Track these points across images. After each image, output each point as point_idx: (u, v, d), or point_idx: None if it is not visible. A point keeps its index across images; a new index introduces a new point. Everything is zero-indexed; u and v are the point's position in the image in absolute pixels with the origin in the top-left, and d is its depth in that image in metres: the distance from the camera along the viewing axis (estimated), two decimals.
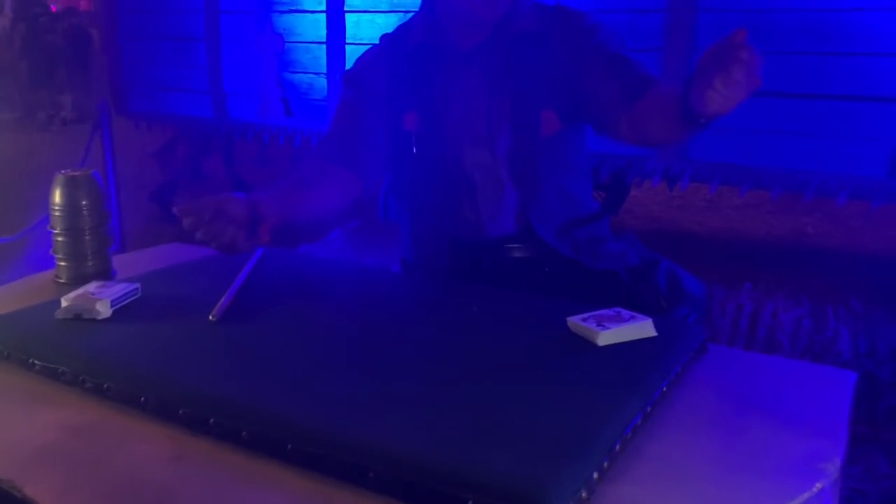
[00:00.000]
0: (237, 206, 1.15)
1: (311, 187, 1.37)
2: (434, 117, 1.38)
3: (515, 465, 0.68)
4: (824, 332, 2.39)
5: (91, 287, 1.10)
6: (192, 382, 0.86)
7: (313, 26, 3.45)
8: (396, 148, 1.42)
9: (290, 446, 0.74)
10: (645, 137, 1.33)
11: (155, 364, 0.91)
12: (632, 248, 1.43)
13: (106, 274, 1.31)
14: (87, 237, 1.29)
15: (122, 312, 1.06)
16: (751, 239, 2.56)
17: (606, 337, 0.94)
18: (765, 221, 2.51)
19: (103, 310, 1.04)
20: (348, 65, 1.56)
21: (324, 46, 3.42)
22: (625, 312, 1.00)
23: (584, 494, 0.67)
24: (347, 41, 3.36)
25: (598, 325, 0.96)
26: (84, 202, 1.28)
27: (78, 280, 1.24)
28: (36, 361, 0.94)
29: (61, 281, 1.29)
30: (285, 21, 3.55)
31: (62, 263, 1.30)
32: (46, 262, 1.35)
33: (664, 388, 0.87)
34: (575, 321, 0.98)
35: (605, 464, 0.71)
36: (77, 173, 1.29)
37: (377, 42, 1.49)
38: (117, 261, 1.37)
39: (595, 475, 0.69)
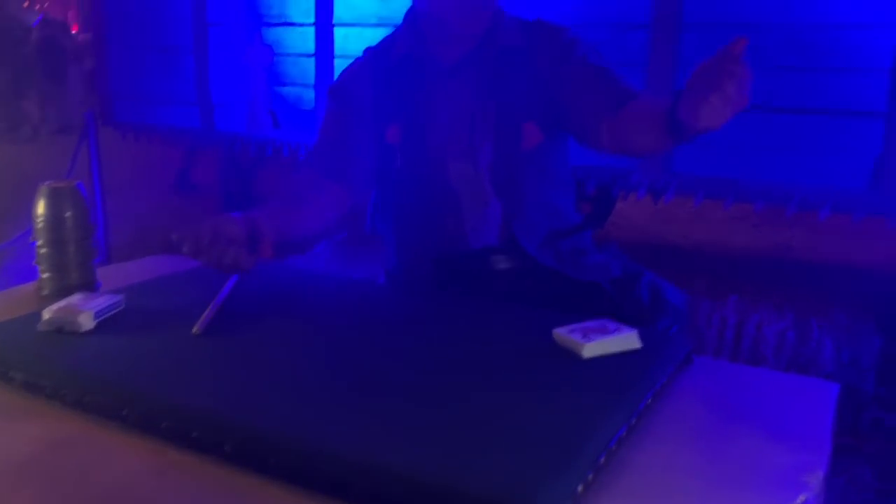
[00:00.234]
0: (234, 226, 1.15)
1: (304, 202, 1.37)
2: (417, 130, 1.39)
3: (500, 477, 0.68)
4: (808, 344, 2.41)
5: (74, 299, 1.09)
6: (175, 395, 0.85)
7: (302, 39, 3.46)
8: (381, 160, 1.43)
9: (273, 460, 0.73)
10: (627, 147, 1.34)
11: (137, 377, 0.90)
12: (614, 259, 1.44)
13: (90, 286, 1.30)
14: (71, 249, 1.28)
15: (106, 325, 1.06)
16: (735, 252, 2.58)
17: (591, 349, 0.94)
18: (749, 234, 2.53)
19: (86, 322, 1.03)
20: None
21: (312, 59, 3.43)
22: (610, 324, 1.00)
23: None
24: (336, 54, 3.37)
25: (583, 336, 0.96)
26: (68, 214, 1.27)
27: (61, 292, 1.23)
28: (16, 374, 0.93)
29: (44, 293, 1.28)
30: (274, 33, 3.56)
31: (45, 275, 1.29)
32: (30, 274, 1.34)
33: (649, 400, 0.87)
34: (560, 333, 0.98)
35: (590, 476, 0.71)
36: (61, 185, 1.29)
37: (361, 55, 1.50)
38: (102, 273, 1.36)
39: (580, 488, 0.69)
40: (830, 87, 2.34)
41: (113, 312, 1.10)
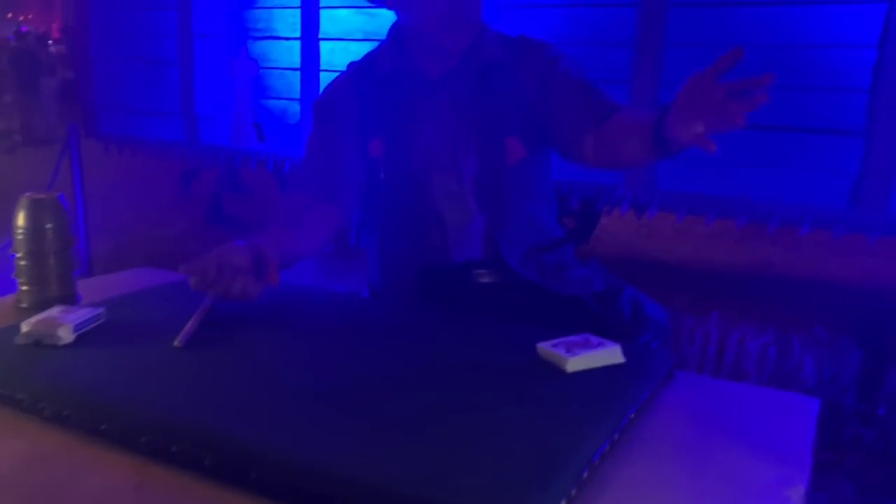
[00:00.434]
0: (240, 254, 1.16)
1: (298, 225, 1.37)
2: (401, 144, 1.40)
3: (483, 492, 0.67)
4: (789, 360, 2.42)
5: (54, 312, 1.07)
6: (155, 410, 0.84)
7: (288, 53, 3.46)
8: (365, 174, 1.43)
9: (254, 475, 0.73)
10: (610, 161, 1.35)
11: (116, 391, 0.89)
12: (596, 274, 1.45)
13: (70, 299, 1.29)
14: (52, 261, 1.27)
15: (85, 338, 1.04)
16: (717, 267, 2.60)
17: (575, 363, 0.94)
18: (731, 250, 2.56)
19: (65, 335, 1.02)
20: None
21: (298, 73, 3.43)
22: (593, 338, 1.00)
23: None
24: (322, 68, 3.38)
25: (567, 351, 0.96)
26: (49, 225, 1.26)
27: (41, 305, 1.21)
28: None
29: (23, 306, 1.26)
30: (260, 47, 3.56)
31: (24, 288, 1.27)
32: (9, 287, 1.32)
33: (632, 415, 0.87)
34: (544, 347, 0.98)
35: (573, 491, 0.71)
36: (42, 196, 1.27)
37: (345, 70, 1.50)
38: (83, 285, 1.35)
39: (563, 502, 0.69)
40: (812, 105, 2.37)
41: (93, 325, 1.08)
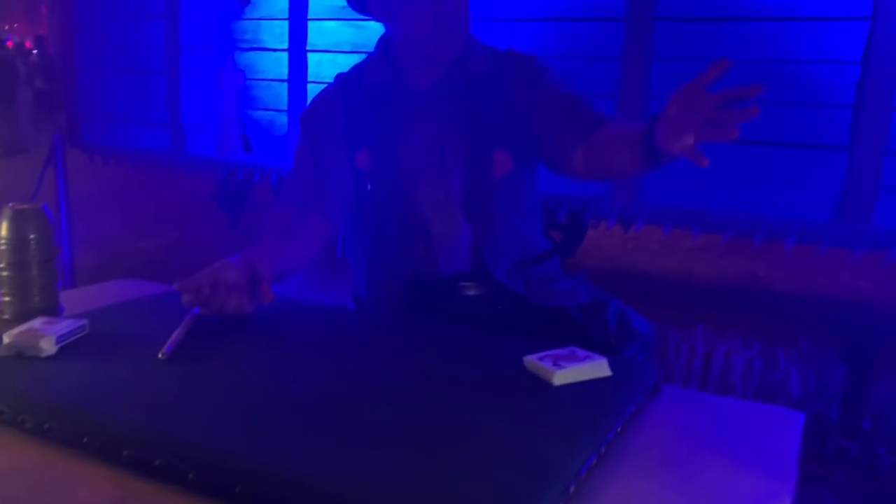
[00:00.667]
0: (233, 271, 1.16)
1: (288, 237, 1.37)
2: (388, 156, 1.40)
3: None
4: (775, 373, 2.43)
5: (36, 323, 1.06)
6: (138, 422, 0.83)
7: (275, 64, 3.46)
8: (353, 185, 1.43)
9: (238, 489, 0.72)
10: (599, 172, 1.35)
11: (99, 403, 0.88)
12: (582, 287, 1.45)
13: (53, 310, 1.27)
14: (34, 272, 1.26)
15: (68, 350, 1.03)
16: (703, 281, 2.61)
17: (562, 376, 0.94)
18: (716, 264, 2.57)
19: (47, 347, 1.01)
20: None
21: (285, 84, 3.43)
22: (580, 352, 1.00)
23: None
24: (309, 80, 3.38)
25: (554, 364, 0.96)
26: (32, 236, 1.25)
27: (23, 316, 1.20)
28: None
29: (5, 317, 1.25)
30: (247, 58, 3.56)
31: (6, 299, 1.26)
32: None
33: (618, 429, 0.87)
34: (531, 360, 0.98)
35: None
36: (26, 206, 1.26)
37: (332, 81, 1.50)
38: (66, 297, 1.34)
39: None
40: (796, 120, 2.39)
41: (76, 337, 1.07)
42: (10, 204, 1.26)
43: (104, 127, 4.07)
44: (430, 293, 1.40)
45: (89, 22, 4.04)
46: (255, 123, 3.56)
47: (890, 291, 2.40)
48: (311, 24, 3.36)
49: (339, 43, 3.25)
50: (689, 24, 2.54)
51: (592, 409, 0.89)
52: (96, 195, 4.03)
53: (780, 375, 2.42)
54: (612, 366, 0.98)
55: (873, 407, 2.38)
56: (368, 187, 1.41)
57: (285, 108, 3.45)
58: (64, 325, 1.06)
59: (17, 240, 1.24)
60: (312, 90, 3.32)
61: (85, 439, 0.81)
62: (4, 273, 1.25)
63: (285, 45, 3.41)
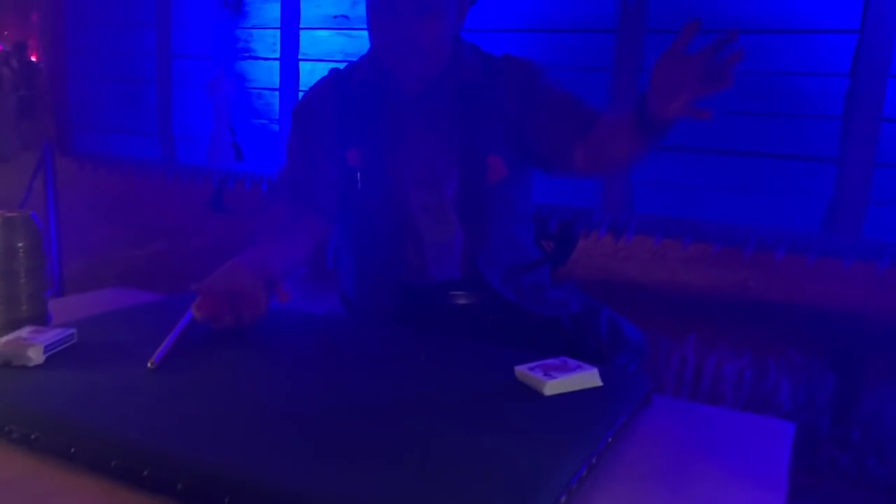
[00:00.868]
0: (248, 273, 1.17)
1: (287, 235, 1.37)
2: (378, 155, 1.39)
3: None
4: (765, 383, 2.44)
5: (24, 332, 1.05)
6: (126, 432, 0.82)
7: (267, 73, 3.46)
8: (343, 184, 1.42)
9: (227, 500, 0.71)
10: (601, 164, 1.34)
11: (87, 413, 0.87)
12: (573, 295, 1.45)
13: (41, 319, 1.26)
14: (23, 280, 1.25)
15: (56, 359, 1.02)
16: (694, 291, 2.62)
17: (553, 386, 0.94)
18: (707, 274, 2.58)
19: (35, 356, 1.00)
20: None
21: (277, 93, 3.43)
22: (571, 362, 1.00)
23: None
24: (301, 89, 3.38)
25: (545, 374, 0.96)
26: (20, 244, 1.24)
27: (11, 325, 1.19)
28: None
29: None
30: (239, 67, 3.56)
31: None
32: None
33: (609, 439, 0.87)
34: (522, 370, 0.98)
35: None
36: (14, 214, 1.25)
37: (327, 74, 1.50)
38: (54, 305, 1.33)
39: None
40: (786, 132, 2.41)
41: (64, 346, 1.06)
42: None
43: (95, 135, 4.06)
44: (421, 299, 1.39)
45: (80, 30, 4.03)
46: (246, 132, 3.56)
47: (879, 301, 2.41)
48: (303, 34, 3.36)
49: (331, 52, 3.26)
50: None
51: (583, 420, 0.89)
52: (86, 203, 4.02)
53: (770, 385, 2.43)
54: (603, 376, 0.98)
55: (863, 417, 2.39)
56: (358, 186, 1.40)
57: (277, 116, 3.45)
58: (52, 335, 1.05)
59: (6, 248, 1.23)
60: None
61: (72, 449, 0.81)
62: None
63: (277, 54, 3.41)
